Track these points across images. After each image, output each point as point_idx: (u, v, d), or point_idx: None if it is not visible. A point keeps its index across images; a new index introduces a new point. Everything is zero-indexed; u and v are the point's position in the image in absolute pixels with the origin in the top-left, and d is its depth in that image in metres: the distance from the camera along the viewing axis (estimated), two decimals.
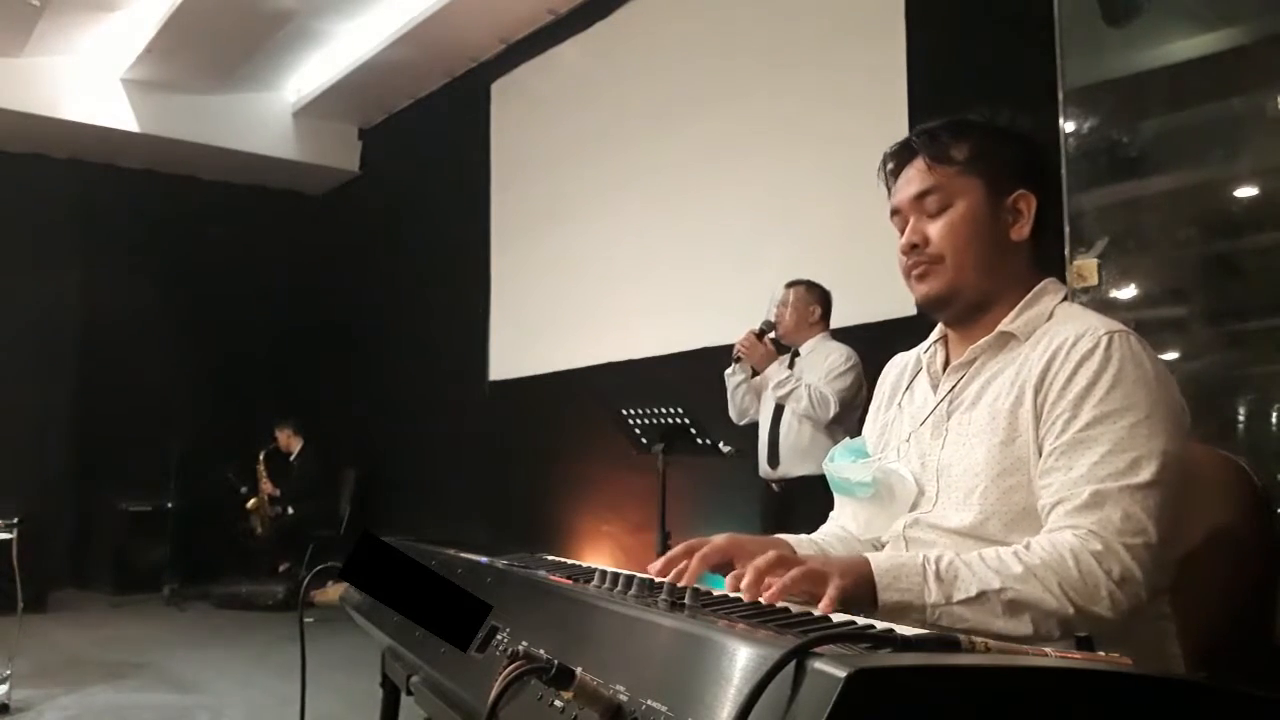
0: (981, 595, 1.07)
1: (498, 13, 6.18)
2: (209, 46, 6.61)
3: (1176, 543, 1.19)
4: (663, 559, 1.19)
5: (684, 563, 1.16)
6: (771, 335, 3.83)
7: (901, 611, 1.08)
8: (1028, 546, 1.11)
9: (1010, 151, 1.30)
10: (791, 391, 3.64)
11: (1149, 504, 1.10)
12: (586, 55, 5.98)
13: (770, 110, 4.77)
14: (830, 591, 1.03)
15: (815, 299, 3.86)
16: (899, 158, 1.35)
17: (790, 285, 3.91)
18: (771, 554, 1.07)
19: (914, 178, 1.31)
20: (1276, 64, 2.83)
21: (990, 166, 1.29)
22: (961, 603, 1.07)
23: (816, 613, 0.97)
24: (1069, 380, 1.17)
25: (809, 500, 3.51)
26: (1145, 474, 1.11)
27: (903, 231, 1.33)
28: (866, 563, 1.09)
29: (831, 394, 3.60)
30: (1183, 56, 3.03)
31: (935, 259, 1.29)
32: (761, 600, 1.01)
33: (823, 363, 3.74)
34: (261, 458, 7.29)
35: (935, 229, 1.29)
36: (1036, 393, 1.20)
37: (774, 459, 3.76)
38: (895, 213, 1.35)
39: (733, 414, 3.93)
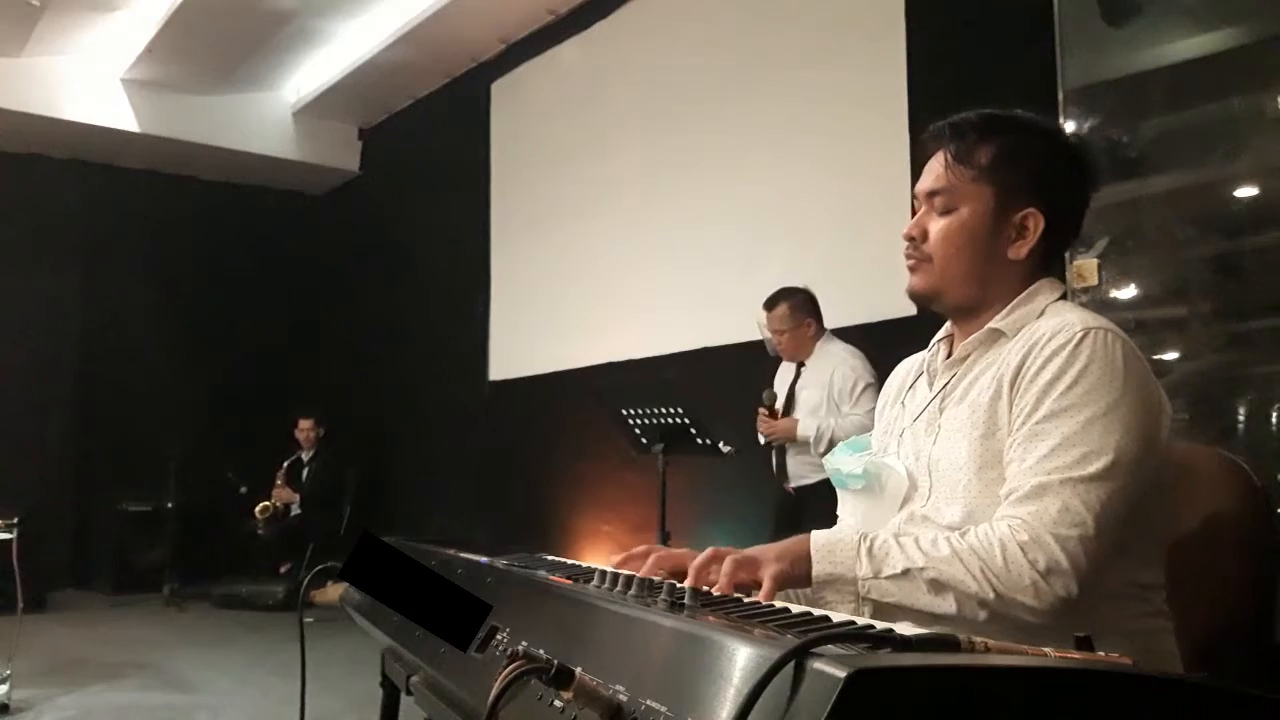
0: (906, 572, 1.13)
1: (498, 13, 6.18)
2: (209, 46, 6.61)
3: (1152, 542, 1.20)
4: (623, 554, 1.28)
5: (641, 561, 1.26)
6: (776, 406, 3.74)
7: (832, 583, 1.15)
8: (964, 533, 1.15)
9: (1035, 164, 1.28)
10: (830, 443, 3.57)
11: (1090, 497, 1.11)
12: (586, 55, 5.99)
13: (770, 110, 4.77)
14: (766, 582, 1.11)
15: (804, 311, 3.73)
16: (932, 142, 1.34)
17: (771, 307, 3.76)
18: (708, 551, 1.15)
19: (933, 170, 1.32)
20: (1276, 64, 2.83)
21: (1008, 177, 1.27)
22: (889, 578, 1.13)
23: (759, 601, 1.04)
24: (1037, 373, 1.18)
25: (822, 502, 3.51)
26: (1092, 468, 1.12)
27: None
28: (805, 541, 1.17)
29: (870, 419, 3.59)
30: (1183, 56, 3.03)
31: (926, 257, 1.31)
32: (714, 593, 1.08)
33: (832, 371, 3.66)
34: (285, 466, 7.24)
35: (935, 228, 1.31)
36: (1012, 386, 1.21)
37: (783, 473, 3.76)
38: (914, 197, 1.36)
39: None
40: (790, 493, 3.78)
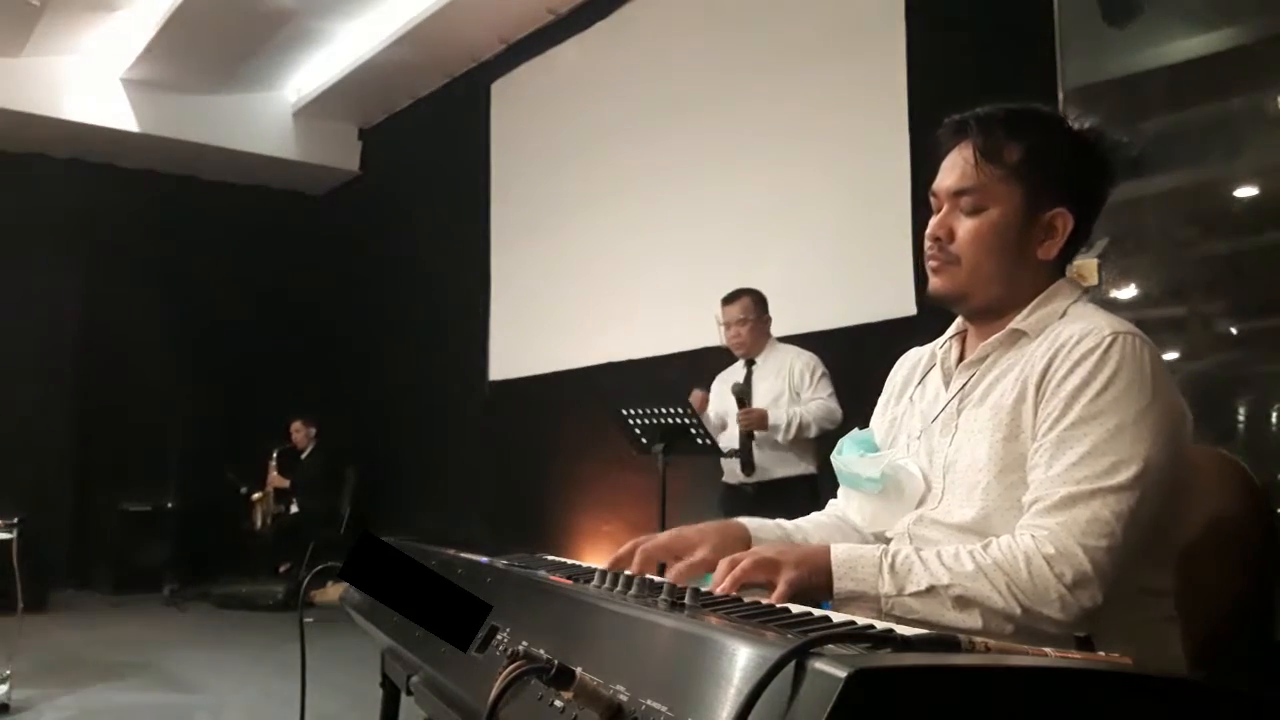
0: (931, 589, 1.10)
1: (498, 13, 6.18)
2: (209, 46, 6.61)
3: (1165, 547, 1.19)
4: (611, 558, 1.25)
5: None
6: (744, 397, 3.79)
7: (855, 600, 1.11)
8: (987, 546, 1.12)
9: (1063, 163, 1.25)
10: (799, 428, 3.66)
11: (1120, 508, 1.09)
12: (586, 55, 5.98)
13: (770, 110, 4.77)
14: (781, 586, 1.08)
15: (763, 307, 3.87)
16: (954, 135, 1.29)
17: (733, 300, 3.88)
18: (731, 558, 1.13)
19: (958, 166, 1.27)
20: (1276, 64, 2.83)
21: (1037, 176, 1.24)
22: (913, 595, 1.10)
23: (759, 601, 1.02)
24: (1065, 378, 1.16)
25: (784, 501, 3.52)
26: (1121, 477, 1.10)
27: (937, 212, 1.30)
28: (826, 553, 1.14)
29: (834, 401, 3.64)
30: (1183, 56, 3.03)
31: (953, 259, 1.27)
32: (715, 591, 1.06)
33: (789, 364, 3.78)
34: (275, 455, 7.27)
35: (963, 229, 1.26)
36: (1037, 389, 1.19)
37: (749, 466, 3.76)
38: (933, 194, 1.31)
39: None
40: (746, 490, 3.79)
